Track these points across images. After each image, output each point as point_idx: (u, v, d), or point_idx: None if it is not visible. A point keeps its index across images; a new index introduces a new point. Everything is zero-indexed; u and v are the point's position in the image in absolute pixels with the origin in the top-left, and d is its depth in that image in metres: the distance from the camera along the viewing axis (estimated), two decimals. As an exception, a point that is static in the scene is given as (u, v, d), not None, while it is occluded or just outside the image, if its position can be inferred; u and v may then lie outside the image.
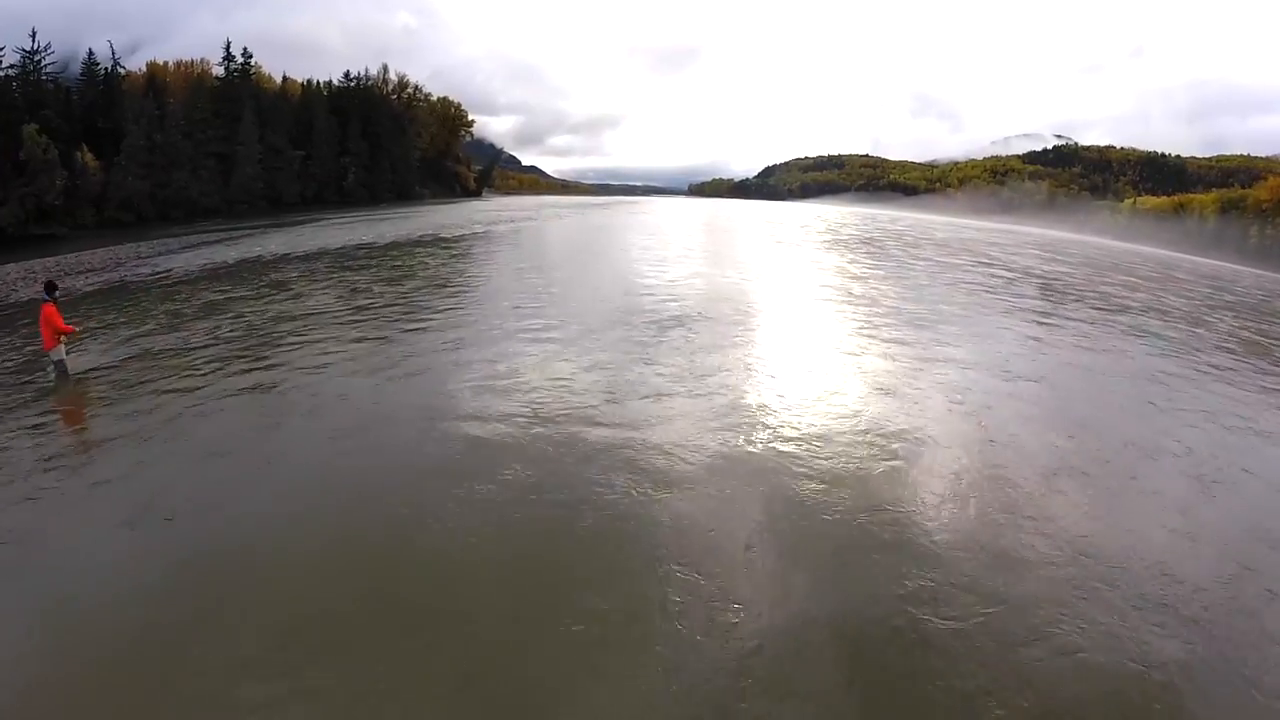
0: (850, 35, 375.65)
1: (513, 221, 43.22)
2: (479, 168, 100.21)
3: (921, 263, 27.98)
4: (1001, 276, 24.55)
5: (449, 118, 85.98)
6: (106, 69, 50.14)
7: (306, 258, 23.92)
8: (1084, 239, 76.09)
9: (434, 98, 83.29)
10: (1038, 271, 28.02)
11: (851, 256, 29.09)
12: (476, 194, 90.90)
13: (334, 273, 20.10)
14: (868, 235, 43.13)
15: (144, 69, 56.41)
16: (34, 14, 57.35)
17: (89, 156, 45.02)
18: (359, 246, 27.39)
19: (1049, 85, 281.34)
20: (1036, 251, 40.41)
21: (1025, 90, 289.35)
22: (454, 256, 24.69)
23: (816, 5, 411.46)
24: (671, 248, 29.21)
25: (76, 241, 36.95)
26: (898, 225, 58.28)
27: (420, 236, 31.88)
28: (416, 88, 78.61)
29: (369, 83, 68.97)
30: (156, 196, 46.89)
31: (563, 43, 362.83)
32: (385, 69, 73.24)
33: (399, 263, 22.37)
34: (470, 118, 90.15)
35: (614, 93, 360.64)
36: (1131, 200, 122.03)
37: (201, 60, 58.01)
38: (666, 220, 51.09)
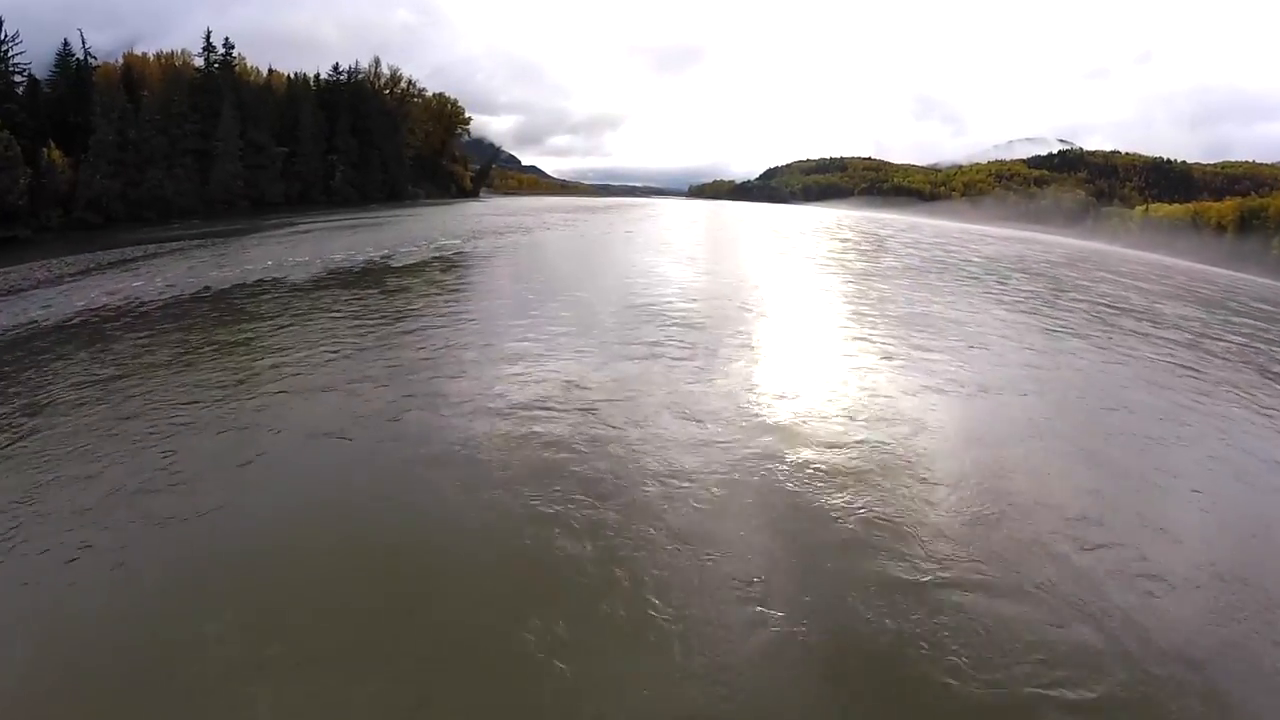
0: (852, 37, 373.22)
1: (498, 234, 35.85)
2: (476, 166, 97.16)
3: (1069, 314, 21.00)
4: (1176, 341, 18.58)
5: (445, 115, 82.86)
6: (78, 60, 47.12)
7: (166, 311, 15.85)
8: (1116, 250, 73.10)
9: (429, 93, 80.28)
10: (1196, 324, 22.33)
11: (951, 294, 22.15)
12: (473, 194, 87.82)
13: (155, 371, 11.32)
14: (930, 254, 38.09)
15: (120, 61, 53.40)
16: (30, 8, 54.57)
17: (56, 153, 42.00)
18: (265, 284, 19.12)
19: (1052, 89, 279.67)
20: (1110, 275, 36.55)
21: (1028, 94, 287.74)
22: (375, 321, 14.81)
23: (819, 6, 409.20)
24: (699, 274, 23.20)
25: (40, 246, 33.83)
26: (932, 236, 55.00)
27: (367, 262, 23.25)
28: (410, 82, 75.59)
29: (359, 77, 65.82)
30: (128, 196, 43.82)
31: (564, 41, 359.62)
32: (377, 62, 70.13)
33: (283, 329, 14.02)
34: (467, 115, 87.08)
35: (615, 92, 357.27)
36: (1143, 208, 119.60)
37: (182, 52, 54.97)
38: (675, 228, 47.46)
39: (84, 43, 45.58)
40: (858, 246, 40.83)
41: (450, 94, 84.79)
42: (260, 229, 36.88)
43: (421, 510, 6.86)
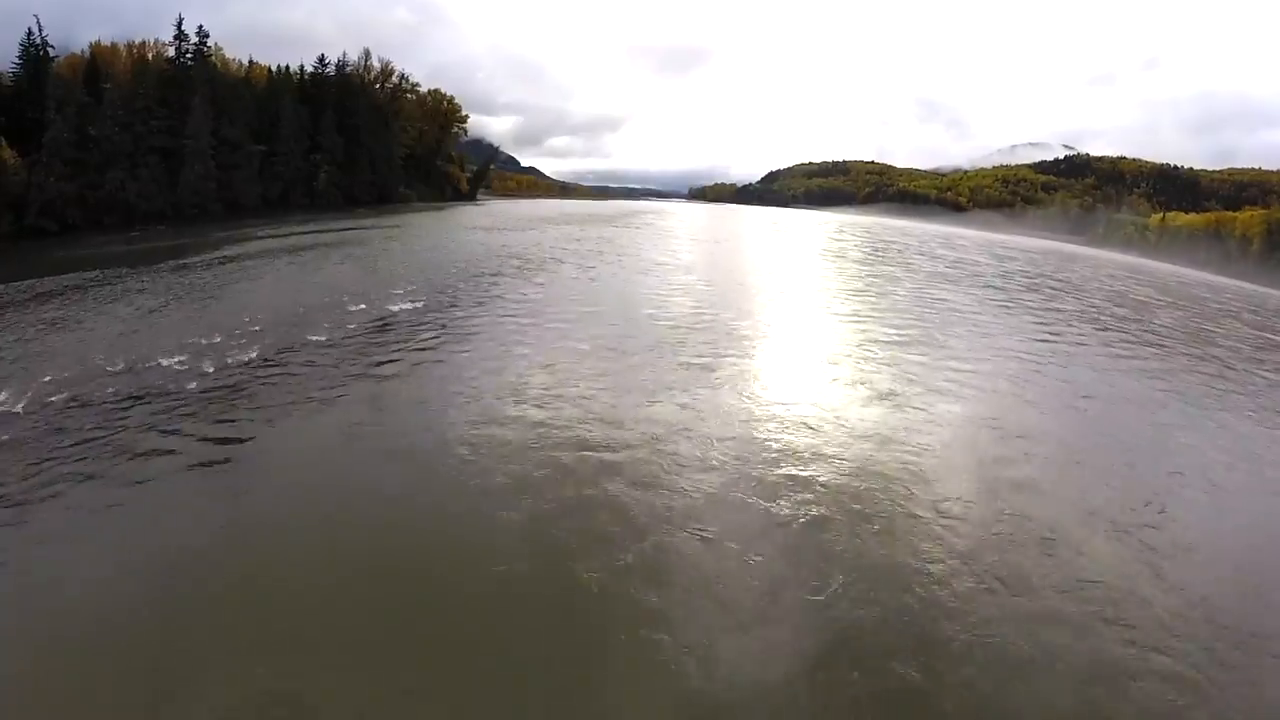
0: (855, 40, 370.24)
1: (487, 276, 23.32)
2: (474, 167, 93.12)
3: None
4: None
5: (440, 113, 78.82)
6: (38, 50, 43.09)
7: None
8: (1152, 264, 68.96)
9: (423, 89, 76.20)
10: None
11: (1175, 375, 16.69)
12: (470, 197, 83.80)
13: None
14: (1091, 301, 30.17)
15: (85, 51, 49.36)
16: (28, 4, 51.05)
17: (8, 152, 38.06)
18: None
19: (1056, 94, 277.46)
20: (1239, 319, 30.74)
21: (1032, 99, 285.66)
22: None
23: (822, 9, 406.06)
24: (827, 368, 14.21)
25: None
26: (1008, 254, 49.90)
27: (229, 360, 12.57)
28: (403, 77, 71.43)
29: (347, 70, 61.59)
30: (87, 200, 39.77)
31: (566, 42, 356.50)
32: (367, 55, 65.85)
33: None
34: (464, 113, 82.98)
35: (616, 94, 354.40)
36: (1159, 216, 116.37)
37: (154, 42, 50.95)
38: (710, 250, 40.36)
39: (41, 30, 41.47)
40: (992, 284, 31.18)
41: (449, 93, 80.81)
42: (196, 248, 29.81)
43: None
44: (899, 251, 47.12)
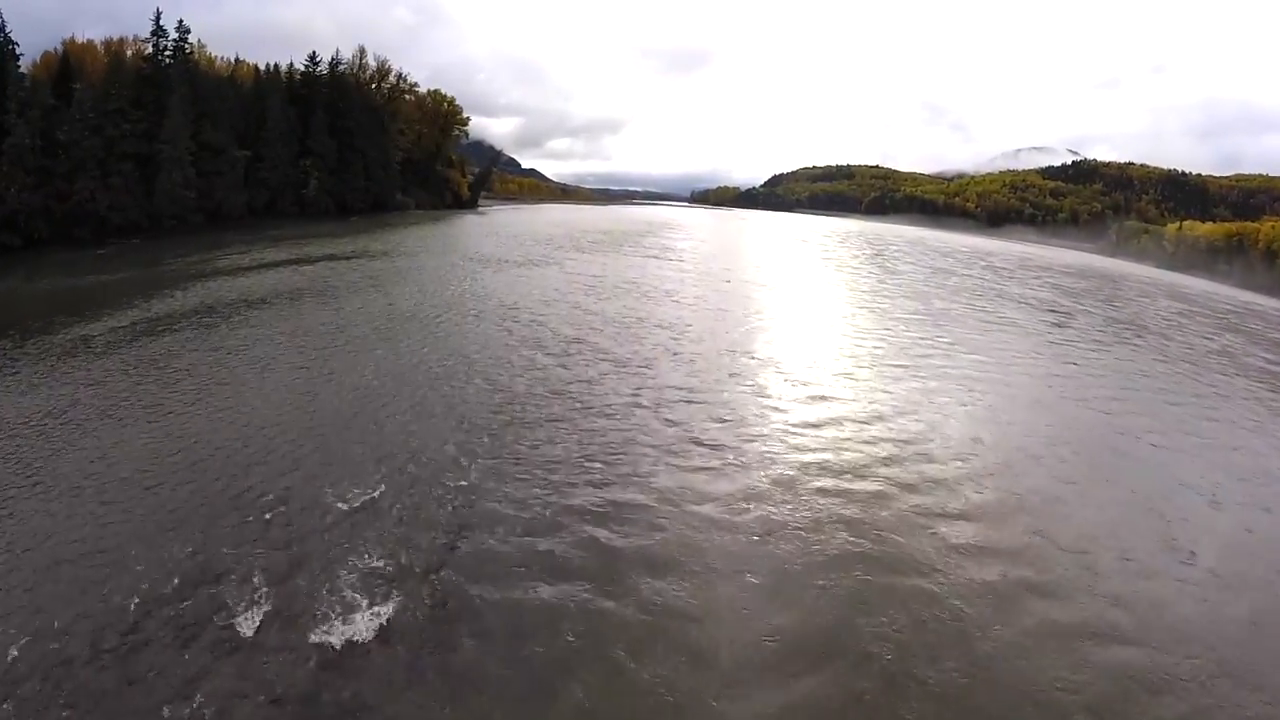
0: (860, 43, 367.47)
1: (491, 415, 13.96)
2: (475, 170, 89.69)
3: None
4: None
5: (440, 114, 75.45)
6: (2, 48, 39.64)
7: None
8: (1217, 289, 65.57)
9: (422, 90, 72.85)
10: None
11: None
12: (471, 203, 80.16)
13: None
14: None
15: (59, 48, 46.04)
16: (30, 6, 47.71)
17: (-34, 159, 34.76)
18: None
19: (1062, 98, 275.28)
20: None
21: (1037, 103, 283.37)
22: None
23: (827, 12, 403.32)
24: None
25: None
26: (1071, 292, 45.33)
27: None
28: (401, 77, 68.07)
29: (340, 69, 58.15)
30: (53, 212, 36.44)
31: (568, 43, 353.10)
32: (362, 52, 62.47)
33: None
34: (465, 115, 79.58)
35: (619, 96, 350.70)
36: (1175, 225, 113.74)
37: (134, 38, 47.60)
38: (756, 292, 33.01)
39: (4, 26, 37.93)
40: (1130, 349, 27.46)
41: (449, 94, 77.32)
42: (133, 290, 24.54)
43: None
44: (974, 291, 40.73)
